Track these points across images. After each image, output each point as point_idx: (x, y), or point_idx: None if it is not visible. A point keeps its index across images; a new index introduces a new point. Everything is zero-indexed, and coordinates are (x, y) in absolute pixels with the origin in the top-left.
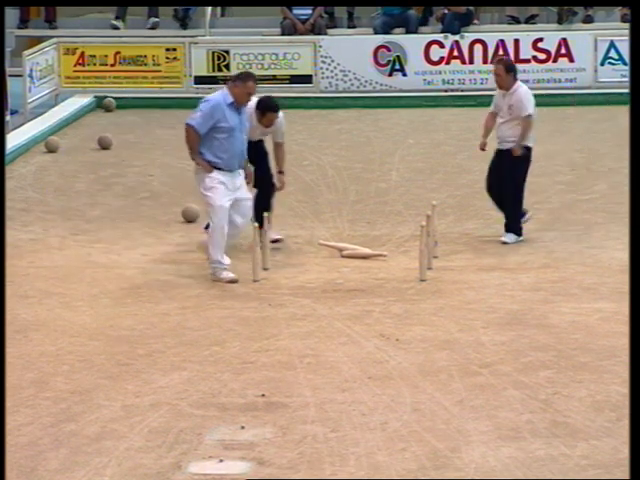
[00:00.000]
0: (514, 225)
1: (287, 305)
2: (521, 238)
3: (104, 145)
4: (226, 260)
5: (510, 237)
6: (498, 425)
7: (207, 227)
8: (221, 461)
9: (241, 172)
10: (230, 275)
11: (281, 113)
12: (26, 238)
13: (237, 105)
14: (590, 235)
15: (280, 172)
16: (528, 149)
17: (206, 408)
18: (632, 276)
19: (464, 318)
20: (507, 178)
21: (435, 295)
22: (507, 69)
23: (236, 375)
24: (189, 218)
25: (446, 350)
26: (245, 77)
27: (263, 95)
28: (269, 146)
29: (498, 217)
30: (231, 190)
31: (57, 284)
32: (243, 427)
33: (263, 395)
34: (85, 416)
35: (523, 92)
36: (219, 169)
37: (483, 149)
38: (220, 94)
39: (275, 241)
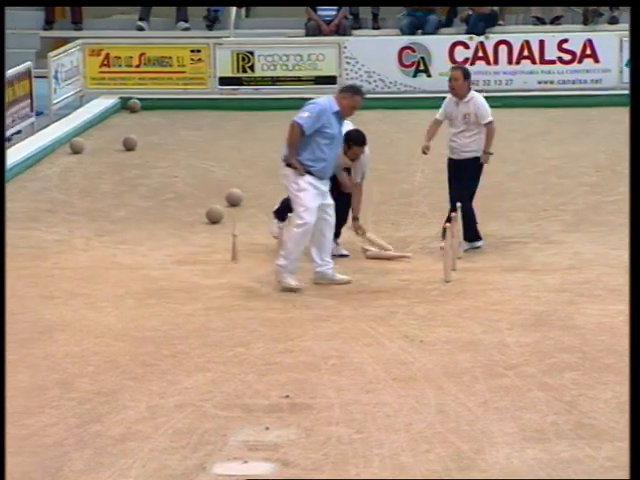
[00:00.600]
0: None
1: (311, 306)
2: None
3: (129, 146)
4: (294, 267)
5: (477, 243)
6: (523, 426)
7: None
8: (245, 462)
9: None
10: (294, 283)
11: (367, 150)
12: (51, 239)
13: (342, 115)
14: (615, 236)
15: (355, 218)
16: (477, 159)
17: (230, 409)
18: (632, 276)
19: (488, 319)
20: (465, 186)
21: (459, 296)
22: (465, 75)
23: (260, 376)
24: (213, 219)
25: (470, 351)
26: (356, 91)
27: (353, 129)
28: None
29: (521, 218)
30: (320, 195)
31: (82, 285)
32: (267, 428)
33: (287, 396)
34: (110, 417)
35: (480, 100)
36: (311, 174)
37: (426, 153)
38: (327, 100)
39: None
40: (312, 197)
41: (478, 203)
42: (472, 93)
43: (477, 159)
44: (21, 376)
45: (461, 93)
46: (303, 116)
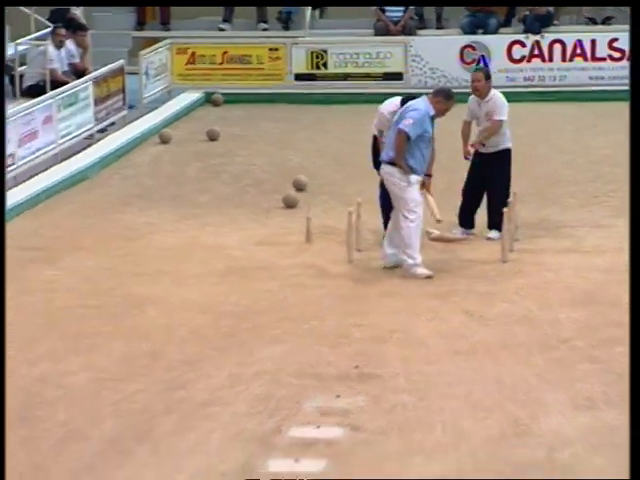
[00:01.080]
0: (498, 222)
1: (378, 284)
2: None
3: (212, 137)
4: (420, 257)
5: (494, 234)
6: (574, 396)
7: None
8: (318, 427)
9: None
10: (426, 272)
11: None
12: (142, 222)
13: (435, 117)
14: None
15: (428, 175)
16: (508, 150)
17: (304, 378)
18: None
19: (542, 297)
20: (495, 179)
21: (516, 275)
22: (486, 77)
23: (332, 348)
24: (289, 204)
25: (525, 326)
26: (449, 96)
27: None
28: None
29: (573, 204)
30: None
31: (170, 263)
32: (338, 396)
33: (357, 366)
34: (194, 384)
35: (499, 99)
36: (414, 173)
37: (467, 158)
38: (424, 105)
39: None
40: (417, 192)
41: (534, 190)
42: (493, 91)
43: (507, 150)
44: (114, 345)
45: (483, 93)
46: (408, 124)
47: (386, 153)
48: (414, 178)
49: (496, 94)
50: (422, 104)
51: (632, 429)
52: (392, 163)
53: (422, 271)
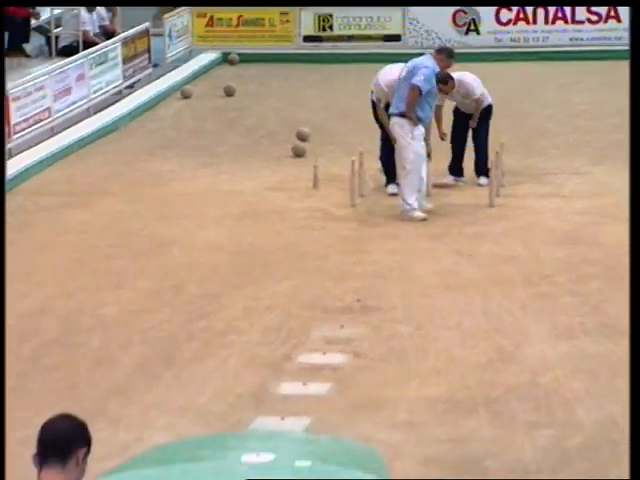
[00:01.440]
0: (486, 170)
1: (379, 226)
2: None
3: (229, 93)
4: (415, 202)
5: (484, 180)
6: (554, 326)
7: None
8: (324, 354)
9: None
10: (422, 215)
11: None
12: (165, 170)
13: (438, 74)
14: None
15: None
16: (489, 107)
17: (312, 310)
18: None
19: (526, 237)
20: (480, 133)
21: (502, 218)
22: (444, 82)
23: (336, 283)
24: (298, 153)
25: (511, 264)
26: (451, 55)
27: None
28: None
29: (556, 154)
30: None
31: (190, 207)
32: (342, 326)
33: (359, 300)
34: (213, 315)
35: (467, 81)
36: (422, 123)
37: (443, 139)
38: (431, 62)
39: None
40: (420, 146)
41: (519, 141)
42: (457, 80)
43: (488, 107)
44: (141, 282)
45: (449, 90)
46: (420, 79)
47: (396, 107)
48: (420, 130)
49: (462, 79)
50: (429, 62)
51: (632, 428)
52: (402, 115)
53: (418, 214)
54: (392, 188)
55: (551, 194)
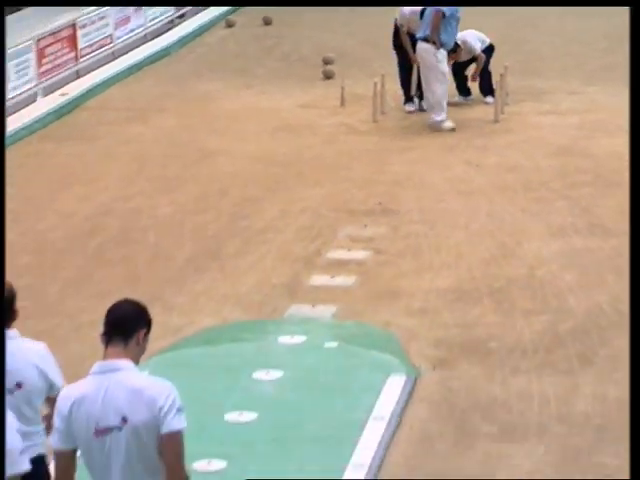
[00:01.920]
0: (490, 89)
1: (398, 139)
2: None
3: (267, 22)
4: (444, 115)
5: (490, 99)
6: (550, 226)
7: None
8: (349, 250)
9: None
10: (450, 125)
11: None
12: (212, 90)
13: None
14: (626, 88)
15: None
16: (490, 47)
17: (339, 212)
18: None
19: (527, 149)
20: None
21: (506, 132)
22: (453, 51)
23: (360, 189)
24: (328, 76)
25: (513, 172)
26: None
27: None
28: None
29: (553, 75)
30: None
31: (233, 123)
32: (365, 226)
33: (380, 203)
34: (253, 216)
35: (468, 40)
36: (446, 47)
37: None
38: None
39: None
40: (446, 64)
41: (521, 64)
42: (460, 40)
43: (489, 47)
44: (191, 187)
45: (461, 56)
46: (443, 6)
47: (422, 31)
48: (443, 54)
49: (465, 40)
50: None
51: (632, 429)
52: (427, 39)
53: (447, 124)
54: (409, 106)
55: (549, 111)
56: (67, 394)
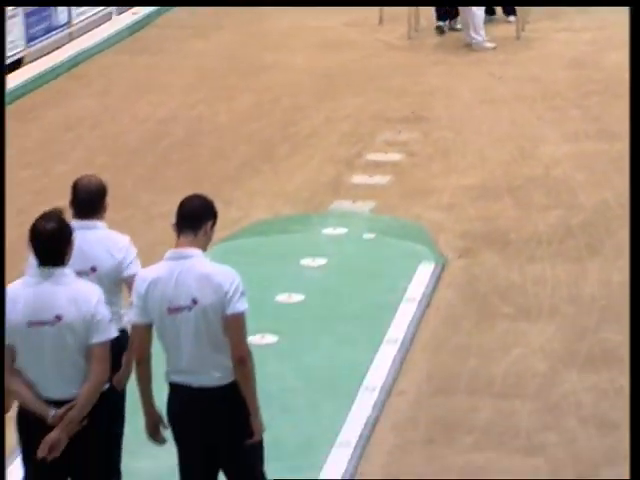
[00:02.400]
0: (512, 8)
1: (430, 55)
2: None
3: None
4: (484, 35)
5: (512, 17)
6: (564, 132)
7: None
8: (386, 153)
9: None
10: (491, 44)
11: None
12: (264, 9)
13: None
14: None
15: None
16: None
17: (377, 120)
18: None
19: (545, 63)
20: None
21: (526, 48)
22: None
23: (396, 99)
24: None
25: (533, 83)
26: None
27: None
28: None
29: None
30: None
31: (284, 39)
32: (400, 132)
33: (413, 112)
34: (302, 122)
35: None
36: None
37: None
38: None
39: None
40: None
41: None
42: None
43: None
44: (247, 96)
45: None
46: None
47: None
48: None
49: None
50: None
51: (632, 429)
52: None
53: (488, 44)
54: (441, 25)
55: (564, 29)
56: (144, 276)
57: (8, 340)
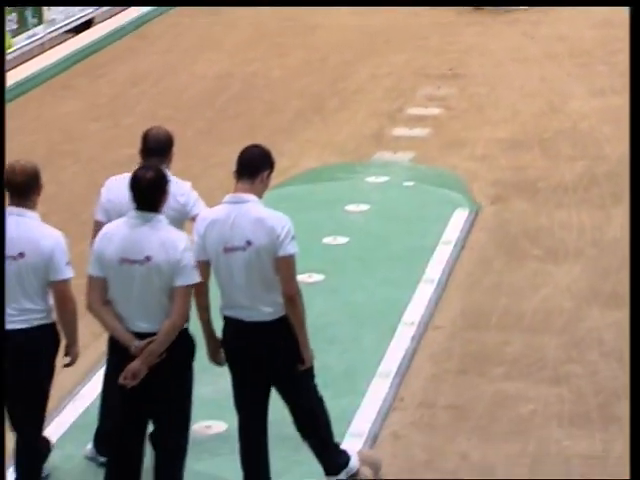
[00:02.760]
0: None
1: (466, 16)
2: None
3: None
4: None
5: None
6: (591, 87)
7: None
8: (425, 107)
9: None
10: (524, 6)
11: None
12: None
13: None
14: None
15: None
16: None
17: (418, 76)
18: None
19: (574, 23)
20: None
21: (556, 10)
22: None
23: (435, 57)
24: None
25: (561, 42)
26: None
27: None
28: None
29: None
30: None
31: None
32: (439, 87)
33: (451, 69)
34: (349, 78)
35: None
36: None
37: None
38: None
39: None
40: None
41: None
42: None
43: None
44: (299, 53)
45: None
46: None
47: None
48: None
49: None
50: None
51: (632, 428)
52: None
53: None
54: None
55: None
56: (204, 217)
57: (102, 273)
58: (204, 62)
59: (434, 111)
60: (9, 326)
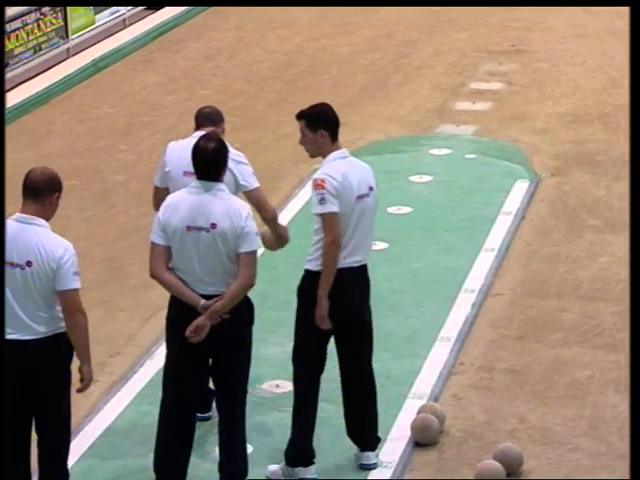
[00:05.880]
0: None
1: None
2: None
3: None
4: None
5: None
6: None
7: None
8: (487, 82)
9: None
10: None
11: None
12: None
13: None
14: None
15: None
16: None
17: (480, 52)
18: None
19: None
20: None
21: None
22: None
23: (498, 34)
24: None
25: (623, 19)
26: None
27: None
28: None
29: None
30: None
31: None
32: (501, 63)
33: (513, 45)
34: (412, 55)
35: None
36: None
37: None
38: None
39: None
40: None
41: None
42: None
43: None
44: (364, 31)
45: None
46: None
47: None
48: None
49: None
50: None
51: (632, 429)
52: None
53: None
54: None
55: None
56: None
57: (166, 242)
58: (274, 38)
59: (496, 86)
60: (16, 336)
